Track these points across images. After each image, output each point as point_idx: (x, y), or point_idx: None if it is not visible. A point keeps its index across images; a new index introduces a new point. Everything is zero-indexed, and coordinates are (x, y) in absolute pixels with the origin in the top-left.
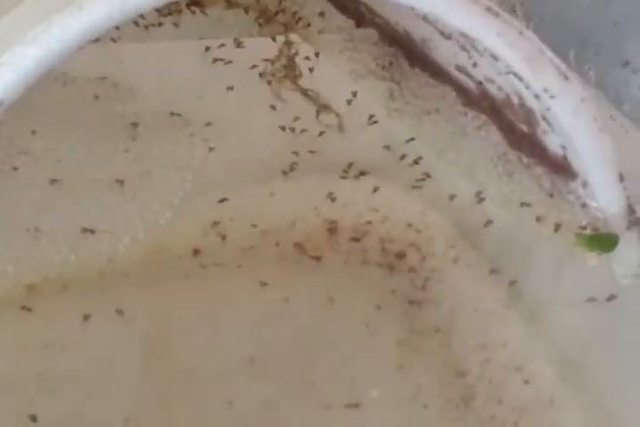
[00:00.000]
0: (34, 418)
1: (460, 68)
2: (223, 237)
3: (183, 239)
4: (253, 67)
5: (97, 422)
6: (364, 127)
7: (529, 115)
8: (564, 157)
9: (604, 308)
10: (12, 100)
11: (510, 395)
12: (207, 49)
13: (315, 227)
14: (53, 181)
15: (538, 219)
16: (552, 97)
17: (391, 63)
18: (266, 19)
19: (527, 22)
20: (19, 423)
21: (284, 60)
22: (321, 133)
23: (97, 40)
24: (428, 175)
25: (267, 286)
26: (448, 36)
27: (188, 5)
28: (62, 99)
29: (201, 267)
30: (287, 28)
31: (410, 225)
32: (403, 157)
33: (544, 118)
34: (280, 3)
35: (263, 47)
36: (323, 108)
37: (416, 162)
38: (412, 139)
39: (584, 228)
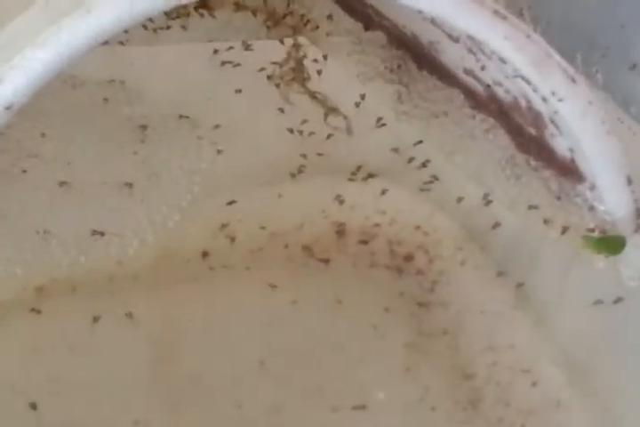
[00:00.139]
0: (41, 419)
1: (468, 71)
2: (232, 240)
3: (192, 242)
4: (262, 69)
5: (105, 424)
6: (373, 130)
7: (537, 118)
8: (572, 160)
9: (610, 310)
10: (22, 104)
11: (517, 397)
12: (215, 52)
13: (323, 229)
14: (62, 184)
15: (545, 221)
16: (560, 100)
17: (399, 66)
18: (274, 21)
19: (534, 25)
20: (27, 425)
21: (292, 63)
22: (329, 136)
23: (106, 43)
24: (435, 178)
25: (275, 288)
26: (456, 39)
27: (196, 8)
28: (71, 102)
29: (209, 269)
30: (295, 31)
31: (418, 227)
32: (411, 159)
33: (552, 121)
34: (288, 5)
35: (271, 50)
36: (331, 110)
37: (424, 165)
38: (420, 141)
39: (592, 230)
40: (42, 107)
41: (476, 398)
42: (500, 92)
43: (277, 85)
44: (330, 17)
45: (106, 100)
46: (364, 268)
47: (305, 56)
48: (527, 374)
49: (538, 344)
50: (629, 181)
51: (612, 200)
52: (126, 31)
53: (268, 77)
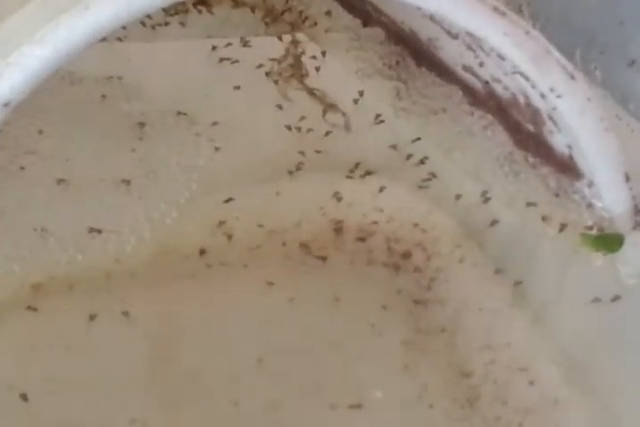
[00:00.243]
0: (38, 417)
1: (467, 68)
2: (229, 237)
3: (189, 239)
4: (260, 66)
5: (102, 422)
6: (371, 127)
7: (535, 114)
8: (570, 157)
9: (608, 308)
10: (20, 101)
11: (515, 396)
12: (214, 48)
13: (321, 227)
14: (60, 181)
15: (543, 219)
16: (558, 96)
17: (398, 62)
18: (272, 18)
19: (533, 22)
20: (24, 423)
21: (290, 60)
22: (327, 133)
23: (104, 40)
24: (434, 175)
25: (273, 285)
26: (455, 36)
27: (194, 4)
28: (69, 98)
29: (207, 267)
30: (294, 28)
31: (416, 225)
32: (409, 156)
33: (550, 118)
34: (287, 2)
35: (270, 46)
36: (329, 107)
37: (422, 162)
38: (419, 138)
39: (590, 228)
40: (39, 103)
41: (474, 396)
42: (498, 88)
43: (276, 82)
44: (328, 13)
45: (104, 96)
46: (362, 265)
47: (303, 52)
48: (525, 373)
49: (535, 342)
50: (627, 178)
51: (610, 197)
52: (124, 28)
53: (267, 74)
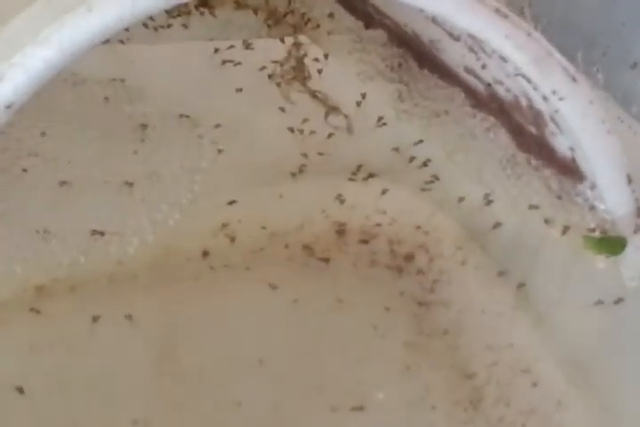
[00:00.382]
0: (40, 419)
1: (469, 70)
2: (232, 239)
3: (192, 241)
4: (262, 68)
5: (105, 423)
6: (373, 129)
7: (537, 117)
8: (573, 159)
9: (611, 311)
10: (23, 103)
11: (518, 397)
12: (216, 50)
13: (323, 229)
14: (63, 183)
15: (546, 221)
16: (560, 99)
17: (400, 65)
18: (275, 20)
19: (535, 24)
20: (26, 424)
21: (292, 62)
22: (330, 135)
23: (107, 42)
24: (436, 177)
25: (275, 287)
26: (457, 38)
27: (197, 7)
28: (72, 100)
29: (210, 269)
30: (296, 30)
31: (418, 227)
32: (411, 159)
33: (552, 120)
34: (289, 4)
35: (272, 49)
36: (331, 109)
37: (425, 164)
38: (421, 141)
39: (592, 230)
40: (42, 105)
41: (477, 397)
42: (500, 90)
43: (278, 84)
44: (331, 15)
45: (107, 98)
46: (365, 267)
47: (306, 55)
48: (527, 374)
49: (538, 344)
50: (630, 180)
51: (612, 199)
52: (127, 29)
53: (269, 76)
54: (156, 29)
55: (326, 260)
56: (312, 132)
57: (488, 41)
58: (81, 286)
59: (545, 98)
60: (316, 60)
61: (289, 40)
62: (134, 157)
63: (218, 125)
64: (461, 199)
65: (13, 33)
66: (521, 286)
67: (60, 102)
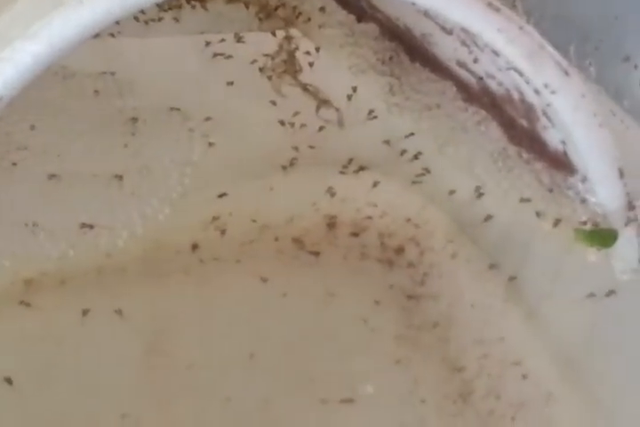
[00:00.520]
0: (29, 412)
1: (461, 64)
2: (222, 232)
3: (182, 234)
4: (253, 62)
5: (95, 417)
6: (364, 122)
7: (529, 110)
8: (564, 153)
9: (603, 303)
10: (12, 97)
11: (508, 390)
12: (207, 44)
13: (314, 222)
14: (52, 177)
15: (537, 214)
16: (552, 92)
17: (391, 58)
18: (266, 13)
19: (527, 17)
20: (16, 418)
21: (284, 55)
22: (321, 128)
23: (97, 35)
24: (427, 170)
25: (265, 280)
26: (449, 32)
27: (188, 0)
28: (62, 93)
29: (200, 262)
30: (287, 23)
31: (409, 220)
32: (402, 152)
33: (544, 114)
34: None
35: (263, 42)
36: (322, 103)
37: (416, 157)
38: (412, 134)
39: (584, 223)
40: (31, 98)
41: (467, 390)
42: (492, 84)
43: (269, 78)
44: (322, 9)
45: (97, 92)
46: (355, 260)
47: (297, 48)
48: (518, 367)
49: (529, 337)
50: (621, 174)
51: (603, 193)
52: (118, 23)
53: (260, 70)
54: (146, 23)
55: (316, 253)
56: (303, 126)
57: (480, 34)
58: (70, 280)
59: (537, 91)
60: (308, 53)
61: (280, 33)
62: (124, 150)
63: (208, 119)
64: (452, 192)
65: (3, 27)
66: (512, 279)
67: (49, 96)
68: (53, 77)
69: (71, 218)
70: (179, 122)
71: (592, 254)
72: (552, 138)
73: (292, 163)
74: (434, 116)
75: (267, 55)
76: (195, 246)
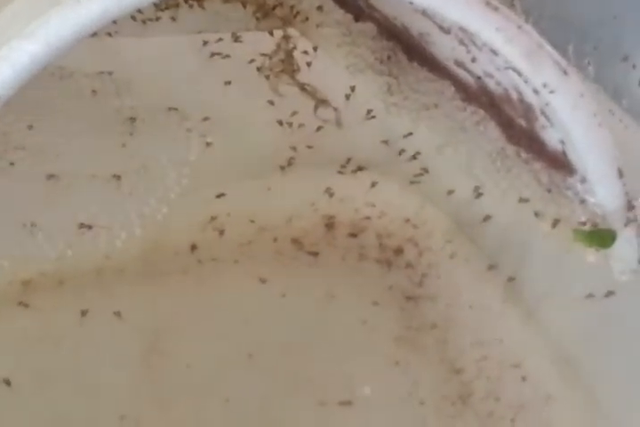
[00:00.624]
0: (27, 413)
1: (459, 63)
2: (221, 233)
3: (180, 235)
4: (251, 61)
5: (94, 418)
6: (362, 122)
7: (528, 110)
8: (563, 153)
9: (602, 304)
10: (9, 96)
11: (507, 392)
12: (205, 43)
13: (312, 222)
14: (50, 177)
15: (536, 214)
16: (551, 92)
17: (389, 57)
18: (264, 13)
19: (526, 17)
20: (15, 419)
21: (281, 55)
22: (319, 128)
23: (94, 35)
24: (426, 170)
25: (264, 281)
26: (447, 31)
27: None
28: (59, 93)
29: (198, 262)
30: (285, 23)
31: (407, 220)
32: (401, 151)
33: (543, 113)
34: None
35: (261, 41)
36: (320, 102)
37: (414, 157)
38: (411, 134)
39: (583, 224)
40: (29, 98)
41: (466, 392)
42: (490, 84)
43: (267, 77)
44: (320, 8)
45: (94, 91)
46: (354, 261)
47: (295, 48)
48: (517, 369)
49: (528, 338)
50: (620, 174)
51: (603, 193)
52: (115, 22)
53: (258, 69)
54: (144, 22)
55: (315, 253)
56: (301, 125)
57: (478, 34)
58: (69, 280)
59: (535, 91)
60: (305, 52)
61: (278, 33)
62: (122, 150)
63: (206, 118)
64: (451, 192)
65: (0, 27)
66: (511, 279)
67: (47, 96)
68: (51, 77)
69: (69, 218)
70: (176, 122)
71: (591, 255)
72: (551, 138)
73: (290, 163)
74: (432, 116)
75: (264, 55)
76: (193, 247)
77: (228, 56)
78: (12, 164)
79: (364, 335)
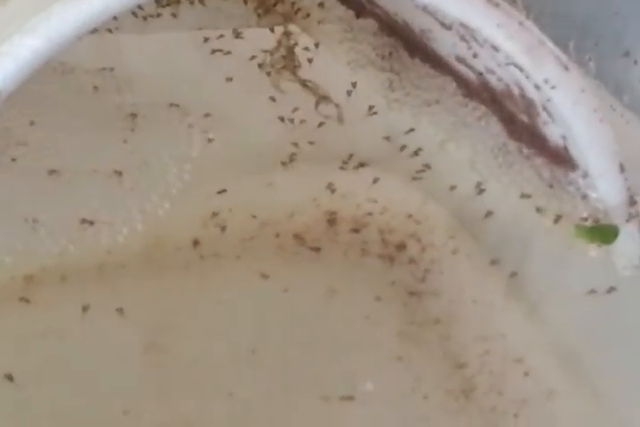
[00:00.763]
0: (30, 409)
1: (461, 59)
2: (222, 229)
3: (182, 230)
4: (252, 58)
5: (96, 413)
6: (364, 118)
7: (529, 105)
8: (565, 148)
9: (604, 300)
10: (11, 92)
11: (510, 387)
12: (206, 40)
13: (314, 218)
14: (52, 172)
15: (538, 210)
16: (552, 88)
17: (391, 54)
18: (265, 9)
19: (527, 13)
20: (17, 415)
21: (283, 51)
22: (320, 124)
23: (95, 31)
24: (428, 166)
25: (266, 277)
26: (448, 27)
27: None
28: (61, 89)
29: (200, 258)
30: (286, 19)
31: (410, 216)
32: (403, 147)
33: (544, 109)
34: None
35: (262, 38)
36: (322, 98)
37: (416, 153)
38: (412, 130)
39: (585, 219)
40: (31, 94)
41: (469, 387)
42: (492, 79)
43: (268, 73)
44: (321, 5)
45: (95, 88)
46: (356, 257)
47: (296, 44)
48: (520, 364)
49: (531, 334)
50: (622, 169)
51: (604, 188)
52: (116, 18)
53: (259, 65)
54: (145, 18)
55: (317, 249)
56: (302, 122)
57: (479, 30)
58: (70, 276)
59: (537, 87)
60: (307, 49)
61: (279, 29)
62: (124, 146)
63: (208, 115)
64: (453, 188)
65: (1, 21)
66: (513, 275)
67: (48, 91)
68: (52, 73)
69: (71, 214)
70: (178, 118)
71: (593, 251)
72: (552, 133)
73: (292, 159)
74: (434, 112)
75: (266, 51)
76: (195, 242)
77: (229, 52)
78: (13, 159)
79: (366, 331)
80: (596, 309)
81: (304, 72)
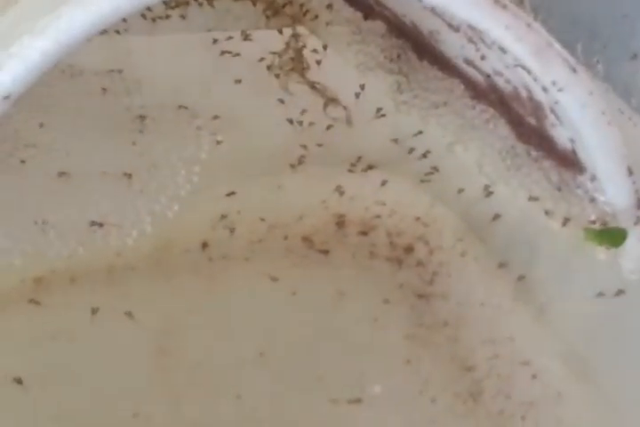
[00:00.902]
0: (40, 411)
1: (469, 61)
2: (231, 231)
3: (191, 233)
4: (261, 59)
5: (106, 416)
6: (372, 120)
7: (537, 108)
8: (573, 151)
9: (612, 303)
10: (20, 93)
11: (518, 389)
12: (215, 41)
13: (323, 220)
14: (61, 174)
15: (546, 213)
16: (560, 90)
17: (399, 56)
18: (273, 11)
19: (535, 15)
20: (26, 418)
21: (291, 53)
22: (329, 127)
23: (104, 32)
24: (436, 169)
25: (275, 279)
26: (456, 29)
27: None
28: (70, 91)
29: (209, 260)
30: (295, 21)
31: (418, 219)
32: (411, 150)
33: (552, 111)
34: None
35: (271, 40)
36: (330, 101)
37: (424, 155)
38: (421, 132)
39: (593, 222)
40: (40, 96)
41: (477, 390)
42: (500, 82)
43: (277, 76)
44: (329, 6)
45: (104, 90)
46: (364, 259)
47: (304, 46)
48: (528, 367)
49: (539, 336)
50: (630, 172)
51: (612, 191)
52: (125, 20)
53: (268, 67)
54: (153, 20)
55: (325, 252)
56: (311, 124)
57: (487, 32)
58: (80, 278)
59: (545, 89)
60: (315, 51)
61: (287, 31)
62: (133, 148)
63: (216, 117)
64: (461, 191)
65: (11, 23)
66: (521, 278)
67: (57, 94)
68: (61, 75)
69: (81, 216)
70: (186, 120)
71: (601, 254)
72: (560, 136)
73: (301, 161)
74: (442, 114)
75: (274, 53)
76: (204, 245)
77: (237, 54)
78: (23, 161)
79: (374, 333)
80: (604, 312)
81: (312, 74)
